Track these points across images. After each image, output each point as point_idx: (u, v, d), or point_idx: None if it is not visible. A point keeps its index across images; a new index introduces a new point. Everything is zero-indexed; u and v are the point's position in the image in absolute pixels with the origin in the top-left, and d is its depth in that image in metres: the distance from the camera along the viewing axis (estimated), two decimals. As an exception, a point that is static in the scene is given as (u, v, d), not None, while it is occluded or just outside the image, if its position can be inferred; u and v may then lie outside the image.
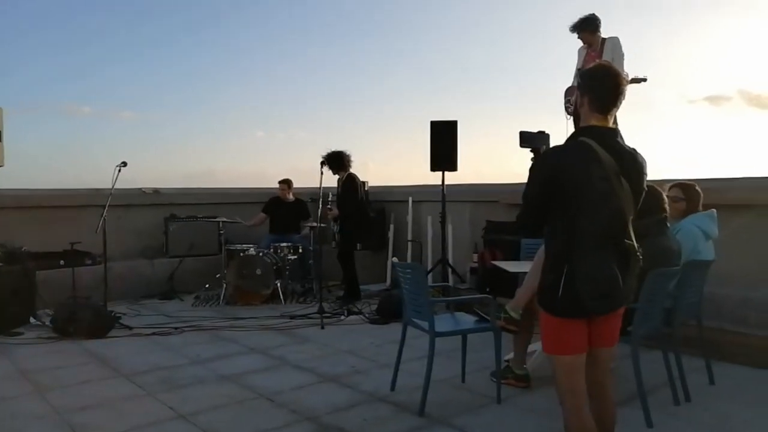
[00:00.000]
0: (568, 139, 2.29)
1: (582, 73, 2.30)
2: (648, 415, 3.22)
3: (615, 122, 2.50)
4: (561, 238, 2.21)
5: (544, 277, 2.29)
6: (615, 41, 6.07)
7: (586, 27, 6.11)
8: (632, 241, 2.22)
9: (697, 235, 3.79)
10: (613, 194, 2.15)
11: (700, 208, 3.94)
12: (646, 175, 2.29)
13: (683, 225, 3.84)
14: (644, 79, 5.70)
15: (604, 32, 6.18)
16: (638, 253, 2.23)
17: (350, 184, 6.81)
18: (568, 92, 6.34)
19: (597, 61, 2.27)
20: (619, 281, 2.18)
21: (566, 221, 2.18)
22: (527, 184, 2.29)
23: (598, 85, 2.24)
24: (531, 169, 2.35)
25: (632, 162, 2.23)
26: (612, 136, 2.24)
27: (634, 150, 2.28)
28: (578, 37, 6.23)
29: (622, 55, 6.07)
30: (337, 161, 6.72)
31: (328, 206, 6.91)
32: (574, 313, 2.21)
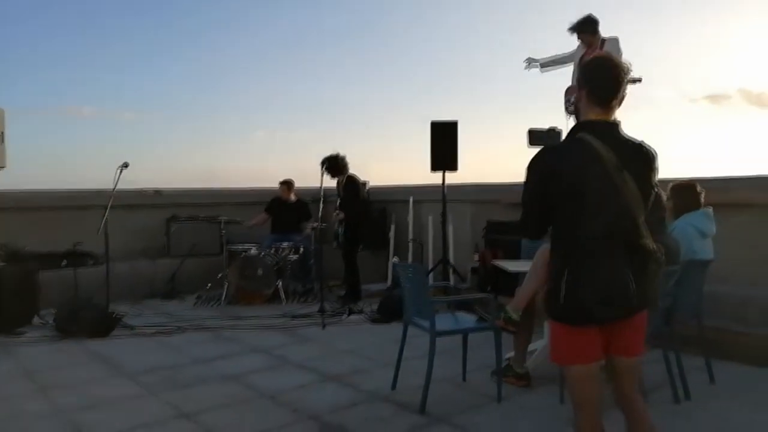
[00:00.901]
0: (567, 136, 2.19)
1: (581, 66, 2.22)
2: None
3: None
4: (562, 241, 2.12)
5: (548, 282, 2.18)
6: (614, 41, 6.08)
7: (586, 28, 6.13)
8: (646, 240, 2.06)
9: (691, 234, 3.80)
10: (616, 192, 2.01)
11: (701, 205, 3.94)
12: (655, 169, 2.12)
13: (677, 224, 3.84)
14: (639, 80, 5.71)
15: (607, 31, 6.20)
16: (657, 254, 2.06)
17: (351, 186, 6.86)
18: (568, 92, 6.35)
19: (599, 53, 2.17)
20: (629, 285, 2.02)
21: (566, 224, 2.08)
22: (524, 185, 2.18)
23: (596, 76, 2.12)
24: (527, 170, 2.21)
25: (637, 156, 2.08)
26: (613, 130, 2.11)
27: (641, 143, 2.13)
28: (578, 38, 6.25)
29: (621, 54, 6.07)
30: (333, 166, 6.76)
31: (336, 211, 6.90)
32: (580, 320, 2.08)
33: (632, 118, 2.15)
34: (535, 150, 2.14)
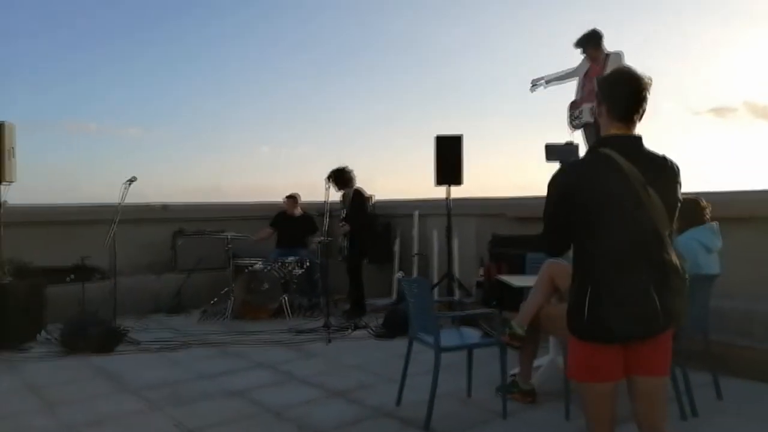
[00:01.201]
0: (587, 152, 2.16)
1: (599, 80, 2.17)
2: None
3: None
4: (585, 257, 2.07)
5: (570, 299, 2.13)
6: (618, 56, 6.13)
7: (590, 42, 6.18)
8: (671, 257, 2.03)
9: (696, 249, 3.77)
10: (640, 208, 1.98)
11: (706, 220, 3.93)
12: (679, 183, 2.09)
13: (681, 239, 3.82)
14: None
15: (611, 45, 6.24)
16: (681, 270, 2.04)
17: (359, 199, 6.91)
18: (572, 106, 6.39)
19: (620, 67, 2.13)
20: (654, 303, 1.97)
21: (589, 240, 2.04)
22: (545, 201, 2.15)
23: (617, 91, 2.09)
24: (548, 186, 2.18)
25: (661, 171, 2.05)
26: (635, 144, 2.08)
27: (663, 157, 2.09)
28: (582, 53, 6.29)
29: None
30: (340, 178, 6.83)
31: (341, 223, 6.93)
32: (603, 338, 2.03)
33: (636, 131, 2.12)
34: (552, 165, 2.12)
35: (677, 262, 2.03)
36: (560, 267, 3.85)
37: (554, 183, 2.13)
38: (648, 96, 2.08)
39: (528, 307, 3.81)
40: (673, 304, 2.02)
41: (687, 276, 2.06)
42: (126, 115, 14.19)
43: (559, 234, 2.14)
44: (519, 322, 3.77)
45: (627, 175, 1.98)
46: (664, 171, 2.07)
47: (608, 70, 6.10)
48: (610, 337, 2.03)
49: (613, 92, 2.10)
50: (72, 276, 6.49)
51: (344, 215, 6.97)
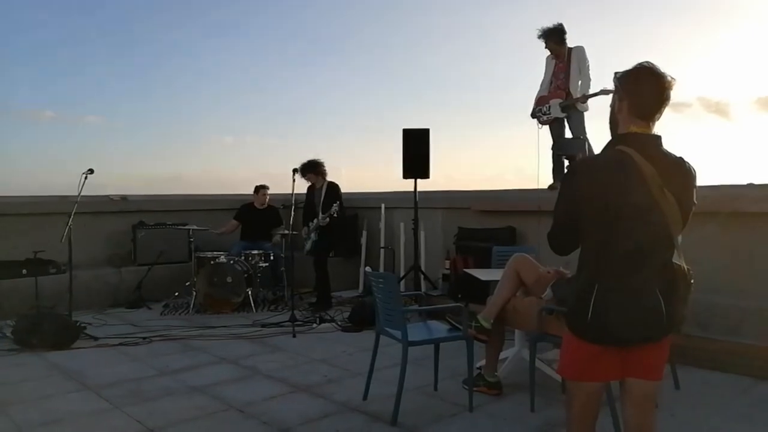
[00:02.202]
0: (605, 148, 2.07)
1: (621, 76, 2.07)
2: (617, 421, 3.27)
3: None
4: (593, 257, 2.01)
5: (573, 298, 2.08)
6: (580, 50, 6.26)
7: (552, 37, 6.29)
8: (680, 261, 1.98)
9: None
10: (656, 210, 1.92)
11: None
12: (695, 186, 2.03)
13: None
14: (611, 91, 5.81)
15: (574, 40, 6.33)
16: (689, 275, 1.99)
17: (334, 191, 6.89)
18: (540, 101, 6.46)
19: (643, 63, 2.01)
20: (660, 307, 1.95)
21: (600, 240, 1.98)
22: (558, 198, 2.09)
23: (642, 88, 1.99)
24: (563, 182, 2.14)
25: (678, 173, 1.98)
26: (655, 144, 2.00)
27: (680, 159, 2.02)
28: (545, 47, 6.38)
29: (588, 63, 6.23)
30: (313, 169, 6.80)
31: (326, 215, 6.76)
32: (604, 340, 2.00)
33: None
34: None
35: (686, 267, 1.98)
36: (526, 261, 3.89)
37: (569, 180, 2.07)
38: (671, 96, 2.00)
39: (494, 301, 3.83)
40: (678, 308, 1.99)
41: (693, 281, 2.00)
42: (82, 103, 13.72)
43: (570, 233, 2.07)
44: (485, 316, 3.79)
45: (645, 176, 1.91)
46: (682, 173, 2.00)
47: (573, 64, 6.23)
48: (613, 340, 2.00)
49: (637, 89, 2.00)
50: (25, 270, 6.25)
51: (321, 208, 6.87)
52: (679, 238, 1.99)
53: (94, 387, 4.15)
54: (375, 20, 14.18)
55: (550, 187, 6.24)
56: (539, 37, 6.35)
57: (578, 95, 6.17)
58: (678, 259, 1.99)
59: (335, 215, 6.57)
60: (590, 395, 2.10)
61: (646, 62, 2.00)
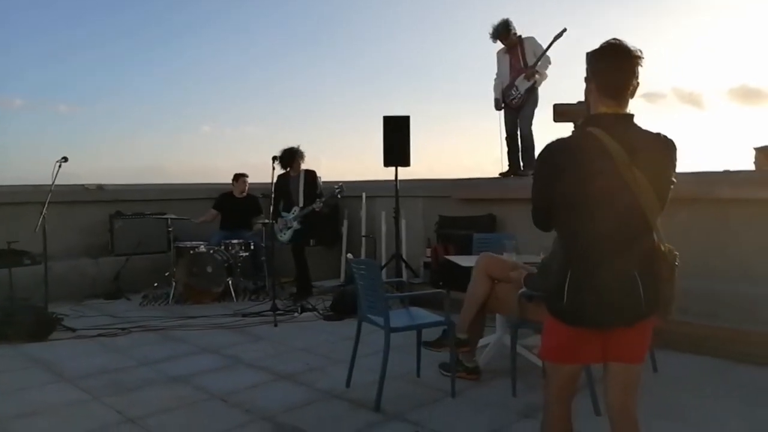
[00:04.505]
0: (574, 130, 2.07)
1: (588, 55, 2.00)
2: (596, 402, 3.33)
3: None
4: (567, 239, 2.01)
5: (551, 280, 2.06)
6: (532, 40, 6.52)
7: (503, 31, 6.55)
8: (658, 242, 1.94)
9: None
10: (624, 190, 1.87)
11: None
12: (673, 163, 1.96)
13: None
14: (564, 30, 6.16)
15: (546, 32, 6.48)
16: (670, 256, 1.94)
17: (314, 179, 6.91)
18: (507, 90, 6.65)
19: (609, 41, 1.95)
20: (637, 290, 1.92)
21: (572, 222, 1.97)
22: (533, 179, 2.08)
23: (606, 66, 1.95)
24: (536, 163, 2.12)
25: (652, 150, 1.92)
26: (625, 123, 1.95)
27: (656, 135, 1.96)
28: (503, 43, 6.61)
29: (543, 48, 6.41)
30: (292, 158, 6.75)
31: (314, 206, 6.72)
32: (581, 323, 1.99)
33: (628, 108, 2.02)
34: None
35: (665, 248, 1.94)
36: (491, 259, 3.94)
37: (539, 161, 2.05)
38: (639, 71, 1.94)
39: (465, 314, 3.89)
40: (658, 291, 1.96)
41: (677, 263, 1.96)
42: (54, 90, 13.41)
43: (545, 212, 2.06)
44: (460, 329, 3.83)
45: (612, 156, 1.86)
46: (657, 149, 1.94)
47: (528, 53, 6.44)
48: (588, 323, 1.98)
49: (603, 67, 1.96)
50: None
51: (302, 197, 6.82)
52: (659, 219, 1.95)
53: (72, 378, 4.09)
54: (356, 8, 14.07)
55: (504, 174, 6.74)
56: (494, 39, 6.63)
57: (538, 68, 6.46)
58: (656, 241, 1.94)
59: (318, 210, 6.60)
60: (568, 378, 2.11)
61: (613, 39, 1.95)
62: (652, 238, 1.94)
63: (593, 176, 1.89)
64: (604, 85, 1.95)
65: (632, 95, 1.96)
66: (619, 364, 2.05)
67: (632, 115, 1.98)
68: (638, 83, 1.96)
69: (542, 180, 2.03)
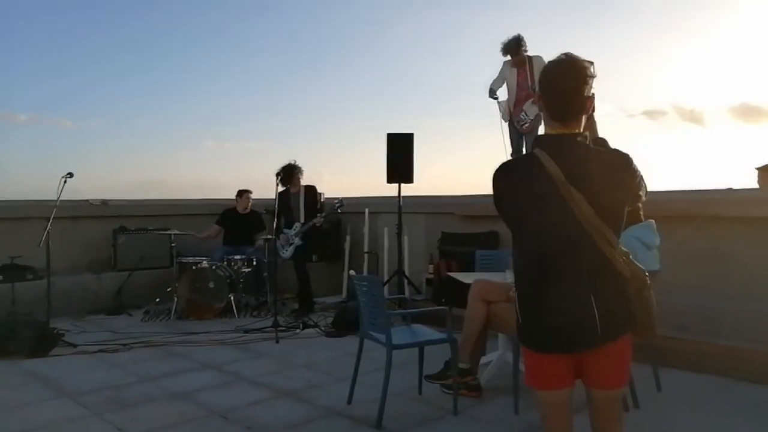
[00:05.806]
0: (525, 153, 2.15)
1: (539, 75, 1.96)
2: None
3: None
4: (516, 261, 1.99)
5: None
6: (540, 59, 6.53)
7: (514, 46, 6.57)
8: (609, 259, 1.83)
9: (635, 247, 3.87)
10: (564, 211, 1.80)
11: (641, 219, 4.06)
12: (622, 179, 1.87)
13: (621, 238, 3.91)
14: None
15: (550, 48, 6.51)
16: (629, 272, 1.86)
17: (315, 194, 6.95)
18: (515, 110, 6.67)
19: (557, 57, 1.91)
20: (590, 311, 1.81)
21: (518, 243, 1.96)
22: None
23: (548, 88, 1.90)
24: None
25: (595, 169, 1.83)
26: (568, 143, 1.87)
27: (608, 152, 1.91)
28: (512, 59, 6.64)
29: None
30: (290, 173, 6.78)
31: (315, 221, 6.76)
32: (535, 347, 1.93)
33: (578, 128, 2.00)
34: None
35: (619, 264, 1.84)
36: (483, 283, 3.94)
37: (493, 183, 2.01)
38: (585, 89, 1.85)
39: (464, 341, 3.86)
40: (617, 309, 1.85)
41: (645, 276, 1.90)
42: (58, 106, 13.53)
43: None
44: (462, 358, 3.81)
45: (549, 175, 1.81)
46: (600, 169, 1.84)
47: (536, 70, 6.48)
48: (543, 348, 1.91)
49: (545, 89, 1.91)
50: (1, 276, 6.13)
51: (303, 213, 6.85)
52: (614, 236, 1.86)
53: (73, 394, 4.08)
54: (359, 24, 14.22)
55: None
56: (505, 53, 6.61)
57: None
58: (607, 258, 1.83)
59: (318, 225, 6.62)
60: (552, 405, 1.99)
61: (563, 54, 1.91)
62: (604, 259, 1.83)
63: (533, 197, 1.88)
64: (548, 107, 1.91)
65: (586, 111, 1.89)
66: (594, 390, 1.95)
67: (578, 134, 1.89)
68: (589, 97, 1.87)
69: (495, 200, 2.01)
